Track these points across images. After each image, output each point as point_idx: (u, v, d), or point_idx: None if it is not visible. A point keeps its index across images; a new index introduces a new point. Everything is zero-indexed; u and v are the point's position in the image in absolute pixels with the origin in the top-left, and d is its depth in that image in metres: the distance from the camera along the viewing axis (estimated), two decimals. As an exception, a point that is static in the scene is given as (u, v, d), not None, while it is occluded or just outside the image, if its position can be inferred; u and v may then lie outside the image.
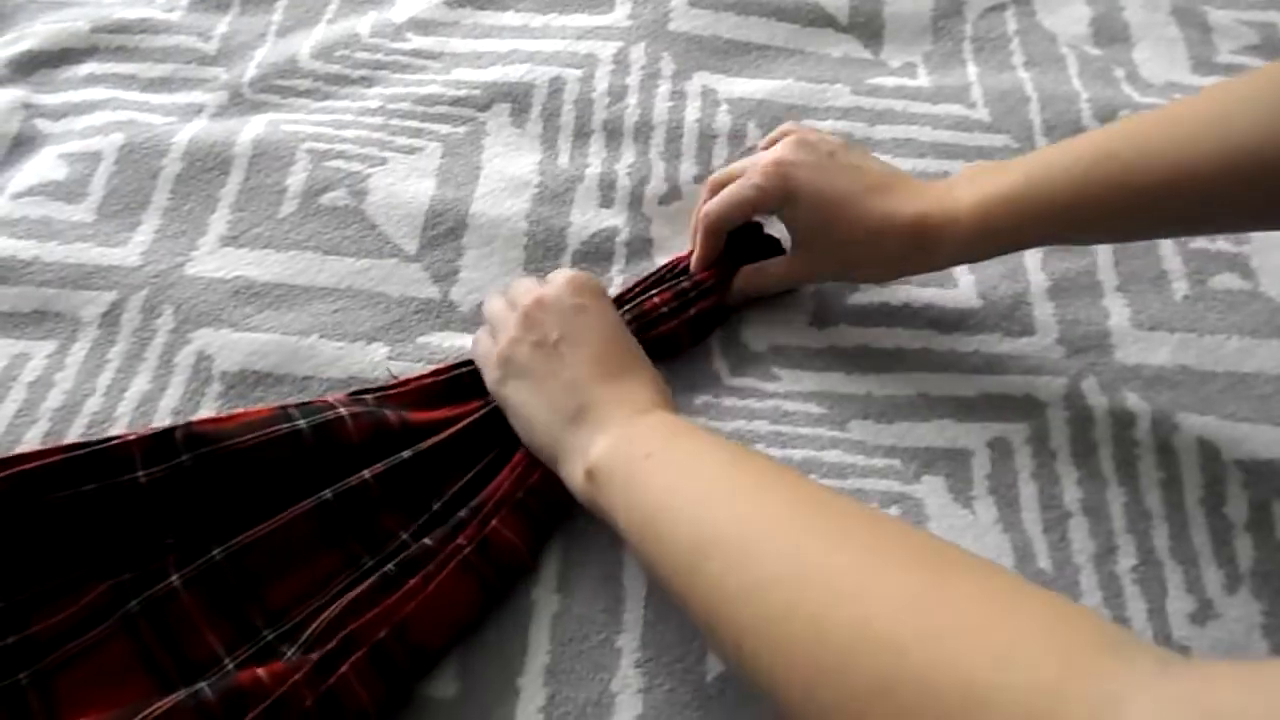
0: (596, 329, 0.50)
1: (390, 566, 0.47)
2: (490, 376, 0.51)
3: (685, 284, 0.57)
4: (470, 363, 0.55)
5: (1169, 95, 0.70)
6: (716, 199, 0.57)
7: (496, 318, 0.53)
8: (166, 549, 0.48)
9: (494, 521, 0.48)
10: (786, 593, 0.34)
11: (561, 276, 0.52)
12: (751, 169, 0.56)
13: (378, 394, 0.53)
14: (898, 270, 0.56)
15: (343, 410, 0.51)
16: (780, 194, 0.54)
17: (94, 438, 0.50)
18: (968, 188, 0.52)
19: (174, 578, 0.47)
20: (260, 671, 0.43)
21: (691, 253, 0.59)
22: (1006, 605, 0.31)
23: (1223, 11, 0.76)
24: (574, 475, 0.46)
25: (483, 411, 0.52)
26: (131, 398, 0.55)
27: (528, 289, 0.53)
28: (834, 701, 0.32)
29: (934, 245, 0.52)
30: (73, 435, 0.54)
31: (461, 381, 0.54)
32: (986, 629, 0.30)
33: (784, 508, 0.39)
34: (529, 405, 0.49)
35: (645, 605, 0.48)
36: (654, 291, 0.57)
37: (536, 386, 0.49)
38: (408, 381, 0.54)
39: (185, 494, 0.48)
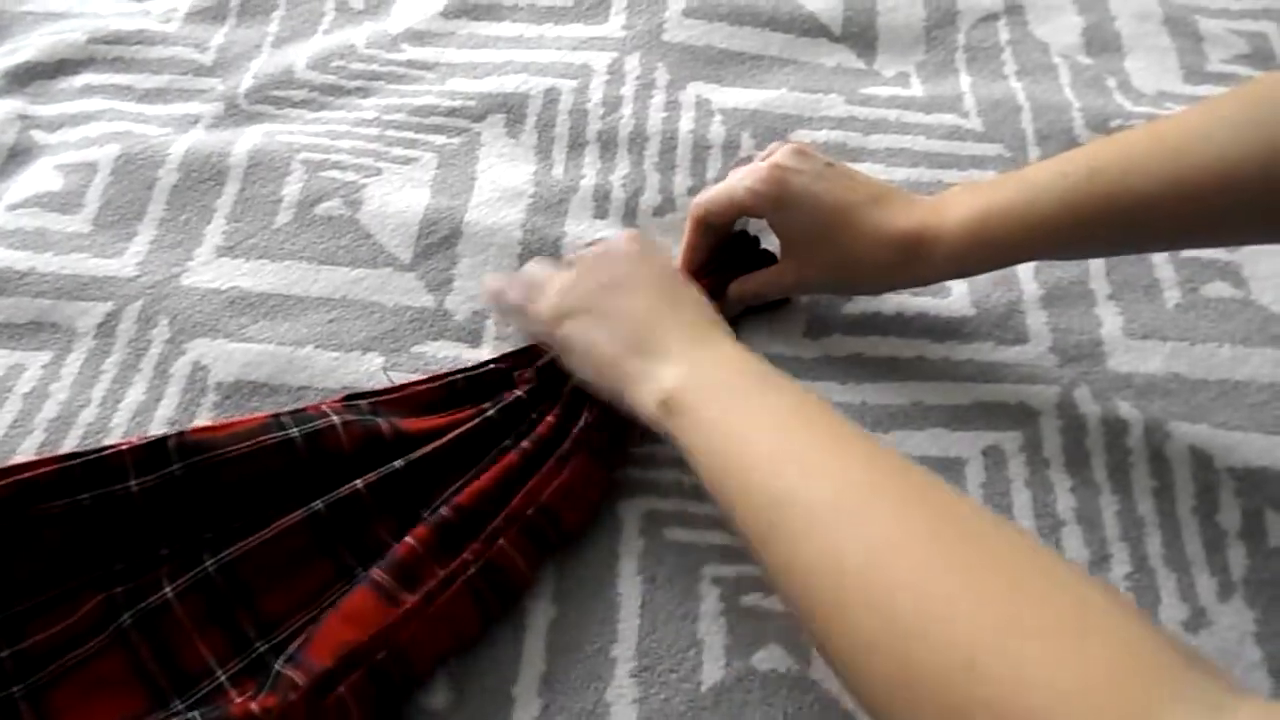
0: (660, 275, 0.52)
1: (384, 576, 0.47)
2: (541, 322, 0.52)
3: None
4: (465, 369, 0.55)
5: (1161, 105, 0.71)
6: (708, 190, 0.58)
7: (536, 276, 0.54)
8: (160, 560, 0.48)
9: (501, 541, 0.48)
10: (863, 582, 0.34)
11: (623, 234, 0.55)
12: (747, 172, 0.56)
13: (372, 399, 0.53)
14: (889, 282, 0.56)
15: (335, 419, 0.51)
16: (774, 198, 0.54)
17: (88, 447, 0.50)
18: (960, 202, 0.52)
19: (167, 589, 0.47)
20: (254, 706, 0.43)
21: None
22: (1080, 634, 0.31)
23: (1214, 21, 0.77)
24: (645, 403, 0.46)
25: (476, 421, 0.52)
26: (127, 408, 0.55)
27: (583, 254, 0.54)
28: (899, 703, 0.32)
29: (926, 257, 0.52)
30: (68, 446, 0.54)
31: (456, 388, 0.54)
32: (1058, 662, 0.30)
33: (862, 476, 0.38)
34: (591, 337, 0.49)
35: (640, 615, 0.48)
36: None
37: (598, 320, 0.50)
38: (404, 387, 0.54)
39: (177, 502, 0.48)
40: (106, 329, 0.59)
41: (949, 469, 0.53)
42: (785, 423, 0.42)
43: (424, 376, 0.55)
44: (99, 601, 0.47)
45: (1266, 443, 0.54)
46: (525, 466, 0.50)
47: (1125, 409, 0.55)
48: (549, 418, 0.51)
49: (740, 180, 0.56)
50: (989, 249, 0.51)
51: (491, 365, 0.55)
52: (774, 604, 0.49)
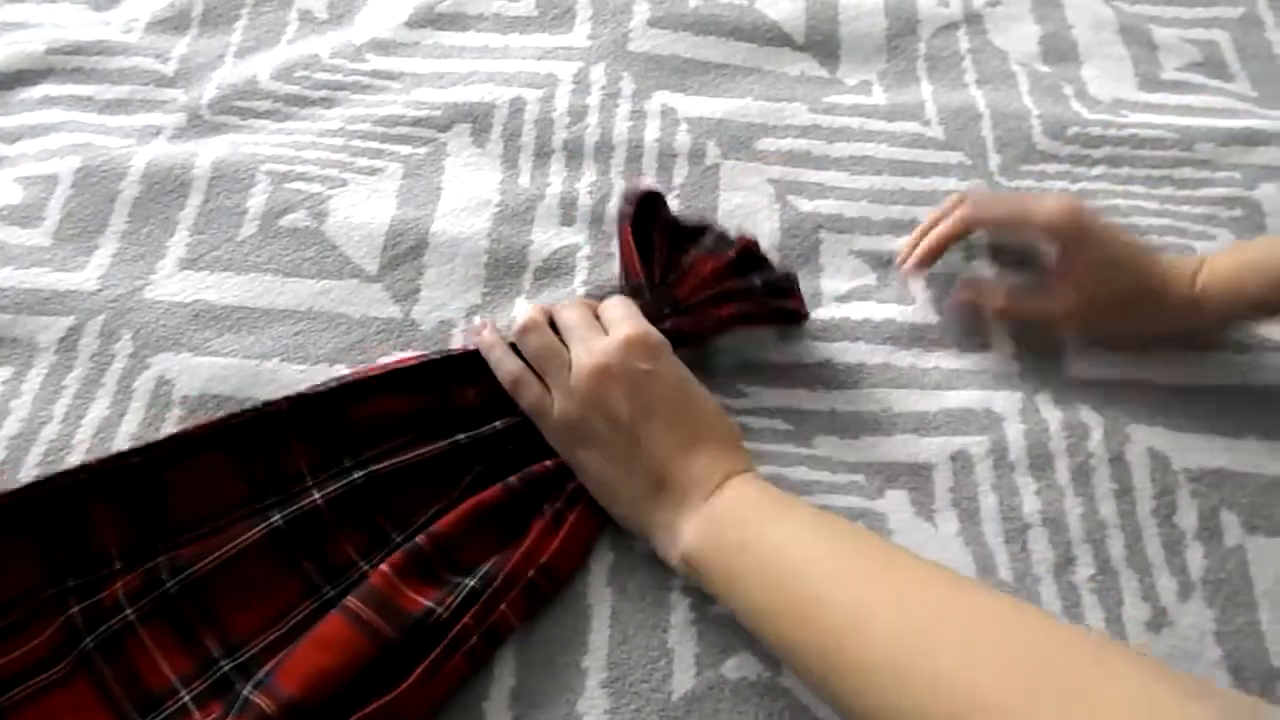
0: (667, 396, 0.49)
1: (360, 606, 0.46)
2: (556, 438, 0.51)
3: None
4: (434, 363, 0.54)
5: (1117, 112, 0.72)
6: (986, 194, 0.60)
7: (545, 358, 0.51)
8: (114, 573, 0.48)
9: (503, 606, 0.47)
10: (891, 685, 0.36)
11: (621, 336, 0.50)
12: (1044, 196, 0.59)
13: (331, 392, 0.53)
14: (1170, 324, 0.58)
15: (295, 448, 0.52)
16: (1077, 226, 0.55)
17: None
18: (1225, 255, 0.56)
19: (129, 612, 0.46)
20: None
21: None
22: (1111, 705, 0.32)
23: (1167, 30, 0.78)
24: (669, 556, 0.47)
25: (445, 445, 0.52)
26: (90, 424, 0.55)
27: (585, 348, 0.50)
28: None
29: (1204, 300, 0.55)
30: (30, 463, 0.53)
31: (434, 411, 0.54)
32: None
33: (883, 593, 0.40)
34: (607, 476, 0.49)
35: (611, 626, 0.49)
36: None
37: (613, 459, 0.49)
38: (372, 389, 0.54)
39: (130, 508, 0.49)
40: (68, 344, 0.58)
41: (917, 475, 0.54)
42: (802, 557, 0.43)
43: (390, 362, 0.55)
44: (59, 625, 0.46)
45: (1221, 444, 0.56)
46: (510, 504, 0.50)
47: (1085, 413, 0.56)
48: (546, 462, 0.51)
49: (1040, 201, 0.57)
50: (1249, 297, 0.54)
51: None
52: (744, 611, 0.49)
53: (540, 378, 0.52)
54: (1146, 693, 0.31)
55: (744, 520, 0.45)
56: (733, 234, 0.60)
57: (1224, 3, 0.81)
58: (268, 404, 0.52)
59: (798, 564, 0.42)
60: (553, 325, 0.53)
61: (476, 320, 0.59)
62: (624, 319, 0.51)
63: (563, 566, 0.49)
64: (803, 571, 0.41)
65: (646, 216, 0.58)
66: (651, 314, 0.54)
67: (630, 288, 0.57)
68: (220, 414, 0.54)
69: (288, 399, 0.52)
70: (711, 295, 0.56)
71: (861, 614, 0.39)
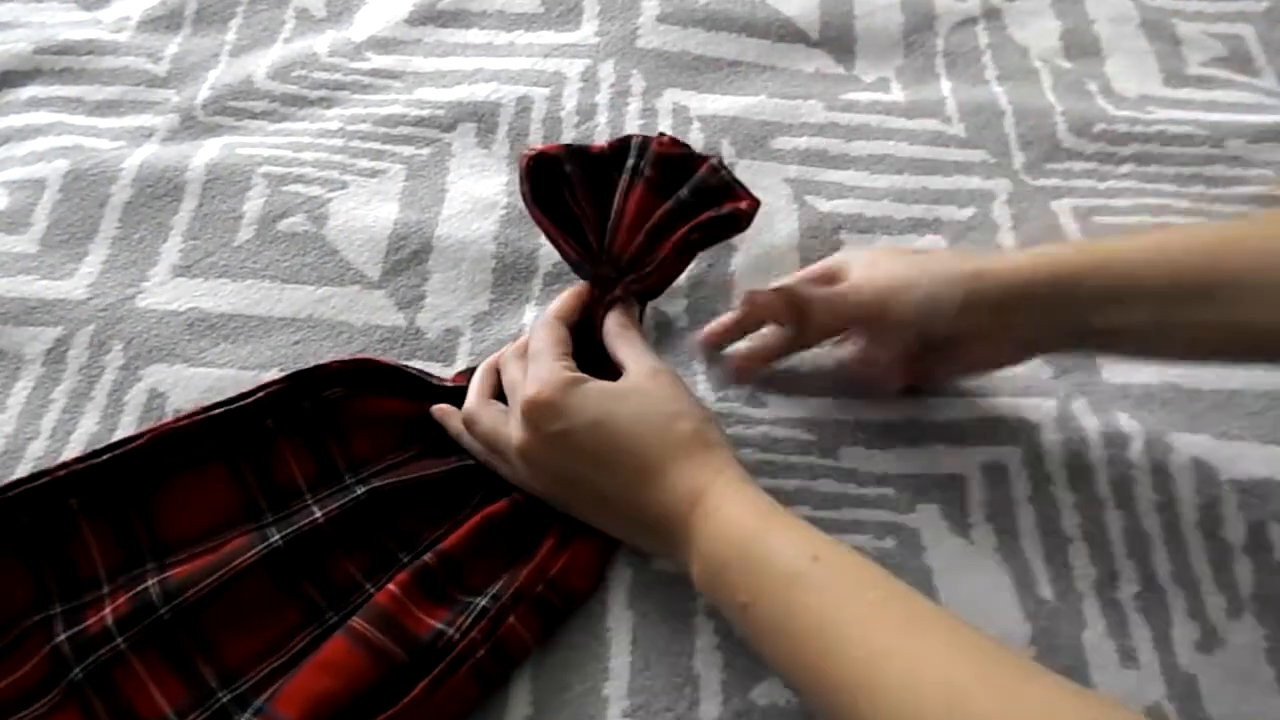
0: (589, 445, 0.44)
1: (366, 626, 0.44)
2: (531, 488, 0.48)
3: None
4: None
5: (1144, 109, 0.70)
6: (781, 297, 0.51)
7: (491, 448, 0.48)
8: (100, 597, 0.45)
9: (511, 619, 0.45)
10: None
11: (518, 410, 0.45)
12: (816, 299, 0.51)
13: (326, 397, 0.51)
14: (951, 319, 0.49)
15: (289, 455, 0.49)
16: (871, 313, 0.50)
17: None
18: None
19: (119, 640, 0.43)
20: None
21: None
22: None
23: (1190, 24, 0.76)
24: (687, 572, 0.44)
25: (453, 464, 0.49)
26: (79, 440, 0.52)
27: (515, 405, 0.46)
28: None
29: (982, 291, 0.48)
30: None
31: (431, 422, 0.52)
32: None
33: (898, 650, 0.36)
34: (602, 526, 0.47)
35: (632, 651, 0.46)
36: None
37: (593, 514, 0.47)
38: (367, 389, 0.52)
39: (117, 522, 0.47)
40: (56, 355, 0.55)
41: (949, 487, 0.51)
42: (806, 619, 0.39)
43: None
44: (46, 654, 0.44)
45: (1266, 453, 0.53)
46: (518, 519, 0.47)
47: (1124, 421, 0.54)
48: None
49: (823, 299, 0.51)
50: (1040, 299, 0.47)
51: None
52: (773, 634, 0.46)
53: None
54: None
55: (735, 575, 0.41)
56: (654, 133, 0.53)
57: (1248, -4, 0.79)
58: (246, 394, 0.50)
59: (806, 616, 0.38)
60: None
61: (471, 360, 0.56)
62: (519, 384, 0.47)
63: (575, 582, 0.47)
64: (812, 627, 0.38)
65: (550, 183, 0.51)
66: (601, 287, 0.50)
67: (573, 266, 0.52)
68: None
69: (265, 388, 0.50)
70: (647, 237, 0.50)
71: (876, 673, 0.35)
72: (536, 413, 0.45)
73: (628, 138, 0.52)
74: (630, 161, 0.51)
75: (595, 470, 0.45)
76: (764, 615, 0.39)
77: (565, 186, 0.50)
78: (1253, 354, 0.47)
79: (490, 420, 0.48)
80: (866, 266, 0.51)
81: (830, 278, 0.52)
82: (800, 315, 0.51)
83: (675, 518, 0.43)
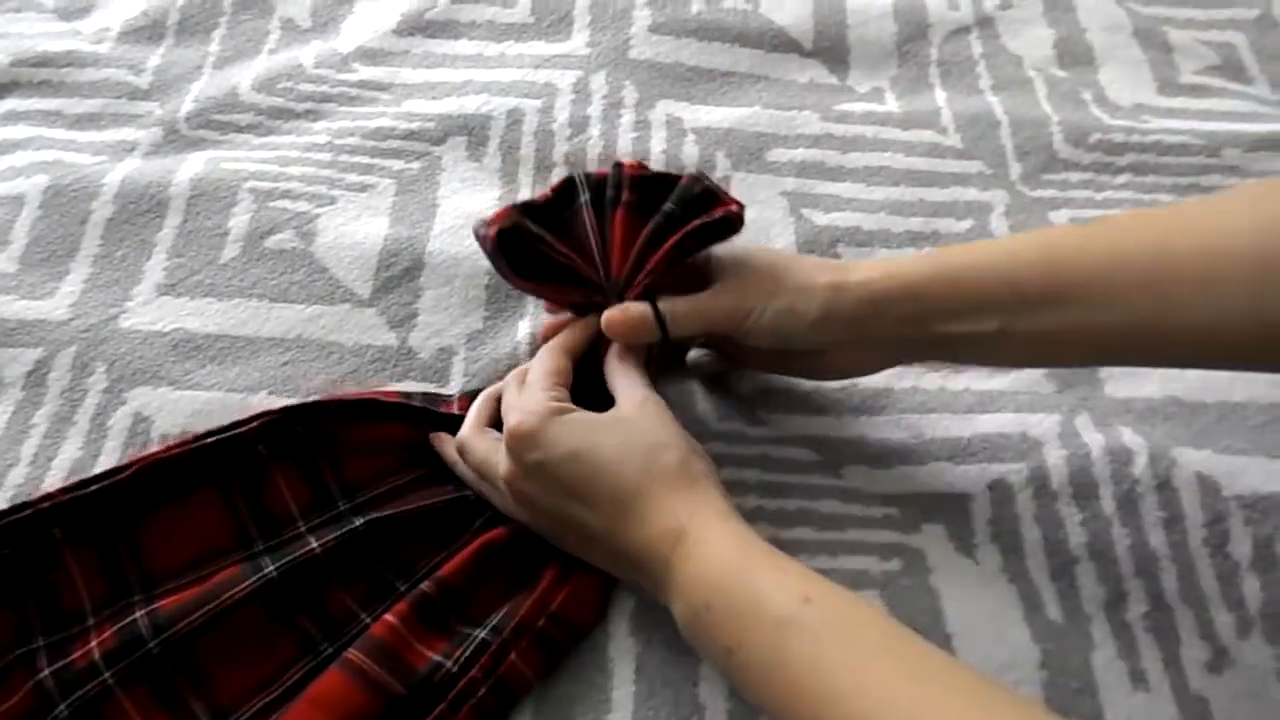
0: (566, 477, 0.43)
1: (362, 658, 0.42)
2: (512, 511, 0.47)
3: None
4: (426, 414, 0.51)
5: (1138, 117, 0.69)
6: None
7: (483, 476, 0.47)
8: (86, 629, 0.44)
9: (512, 655, 0.43)
10: None
11: (505, 439, 0.45)
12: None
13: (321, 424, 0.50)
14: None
15: (280, 481, 0.48)
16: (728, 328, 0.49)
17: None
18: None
19: (107, 675, 0.42)
20: None
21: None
22: None
23: (1182, 32, 0.76)
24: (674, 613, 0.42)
25: (449, 494, 0.48)
26: (60, 466, 0.51)
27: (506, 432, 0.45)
28: None
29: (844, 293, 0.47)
30: (-5, 510, 0.49)
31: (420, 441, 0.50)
32: None
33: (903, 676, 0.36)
34: (591, 559, 0.45)
35: (635, 679, 0.45)
36: None
37: (581, 546, 0.45)
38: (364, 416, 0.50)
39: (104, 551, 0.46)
40: (37, 378, 0.54)
41: (954, 506, 0.50)
42: (790, 672, 0.37)
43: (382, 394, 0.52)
44: (28, 690, 0.42)
45: (1271, 467, 0.53)
46: (518, 546, 0.46)
47: (1128, 436, 0.53)
48: None
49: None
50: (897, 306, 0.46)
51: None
52: (778, 660, 0.45)
53: None
54: None
55: (719, 617, 0.39)
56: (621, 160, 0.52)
57: (1239, 4, 0.78)
58: (239, 423, 0.49)
59: (799, 664, 0.37)
60: None
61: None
62: (508, 410, 0.46)
63: (576, 616, 0.45)
64: (806, 675, 0.36)
65: (521, 248, 0.49)
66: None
67: (579, 310, 0.51)
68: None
69: (259, 418, 0.49)
70: (640, 254, 0.49)
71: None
72: (517, 443, 0.44)
73: (570, 178, 0.51)
74: (609, 193, 0.50)
75: (576, 504, 0.43)
76: (752, 661, 0.38)
77: (539, 243, 0.49)
78: (1099, 356, 0.48)
79: (483, 450, 0.47)
80: (730, 271, 0.49)
81: (695, 275, 0.50)
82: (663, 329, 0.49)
83: (656, 556, 0.41)
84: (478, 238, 0.49)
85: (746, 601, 0.39)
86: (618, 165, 0.50)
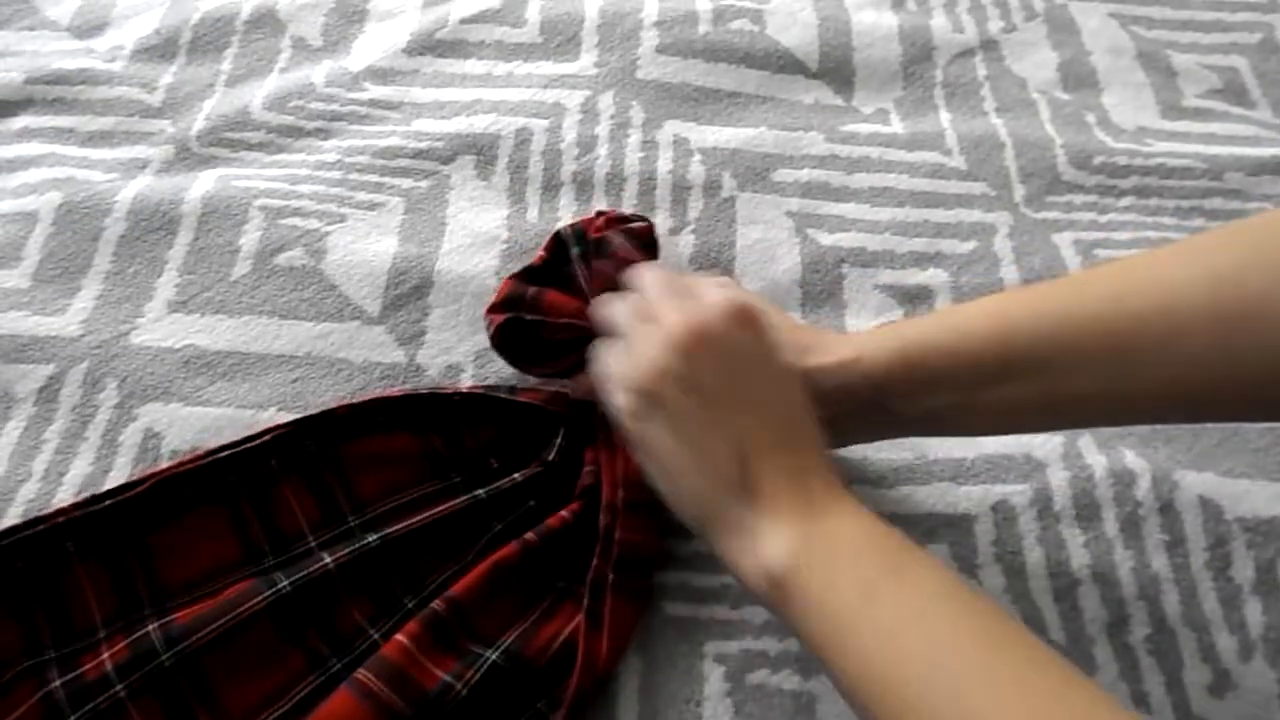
0: (765, 381, 0.41)
1: (372, 679, 0.43)
2: (622, 403, 0.42)
3: None
4: (453, 433, 0.51)
5: (1142, 140, 0.70)
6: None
7: (635, 313, 0.44)
8: (97, 641, 0.45)
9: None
10: None
11: (720, 299, 0.42)
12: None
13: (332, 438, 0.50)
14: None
15: (290, 496, 0.49)
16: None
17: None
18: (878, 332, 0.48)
19: (119, 688, 0.43)
20: None
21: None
22: None
23: (1185, 56, 0.77)
24: (747, 573, 0.39)
25: (464, 499, 0.48)
26: (72, 482, 0.51)
27: (676, 306, 0.42)
28: None
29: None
30: (6, 524, 0.49)
31: (439, 455, 0.51)
32: None
33: (1016, 691, 0.33)
34: (677, 460, 0.41)
35: (639, 699, 0.45)
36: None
37: (688, 439, 0.41)
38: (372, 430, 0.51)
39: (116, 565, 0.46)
40: (49, 394, 0.54)
41: (958, 527, 0.51)
42: (923, 622, 0.35)
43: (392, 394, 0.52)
44: (36, 702, 0.43)
45: (1272, 490, 0.53)
46: (529, 564, 0.46)
47: (1130, 458, 0.54)
48: (562, 512, 0.48)
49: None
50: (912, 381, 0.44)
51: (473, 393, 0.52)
52: (782, 681, 0.46)
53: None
54: None
55: (867, 569, 0.37)
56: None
57: (1241, 28, 0.79)
58: (251, 437, 0.49)
59: (918, 656, 0.35)
60: None
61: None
62: (729, 285, 0.44)
63: (610, 665, 0.45)
64: (920, 672, 0.34)
65: (523, 336, 0.52)
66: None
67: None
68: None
69: (271, 431, 0.50)
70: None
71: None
72: (744, 316, 0.42)
73: (557, 233, 0.54)
74: (574, 250, 0.53)
75: (739, 401, 0.40)
76: (874, 625, 0.36)
77: (539, 329, 0.51)
78: (1063, 422, 0.47)
79: (632, 315, 0.44)
80: None
81: None
82: None
83: (797, 492, 0.39)
84: (485, 323, 0.52)
85: (893, 561, 0.37)
86: (599, 214, 0.54)
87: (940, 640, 0.35)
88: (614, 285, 0.50)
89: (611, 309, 0.46)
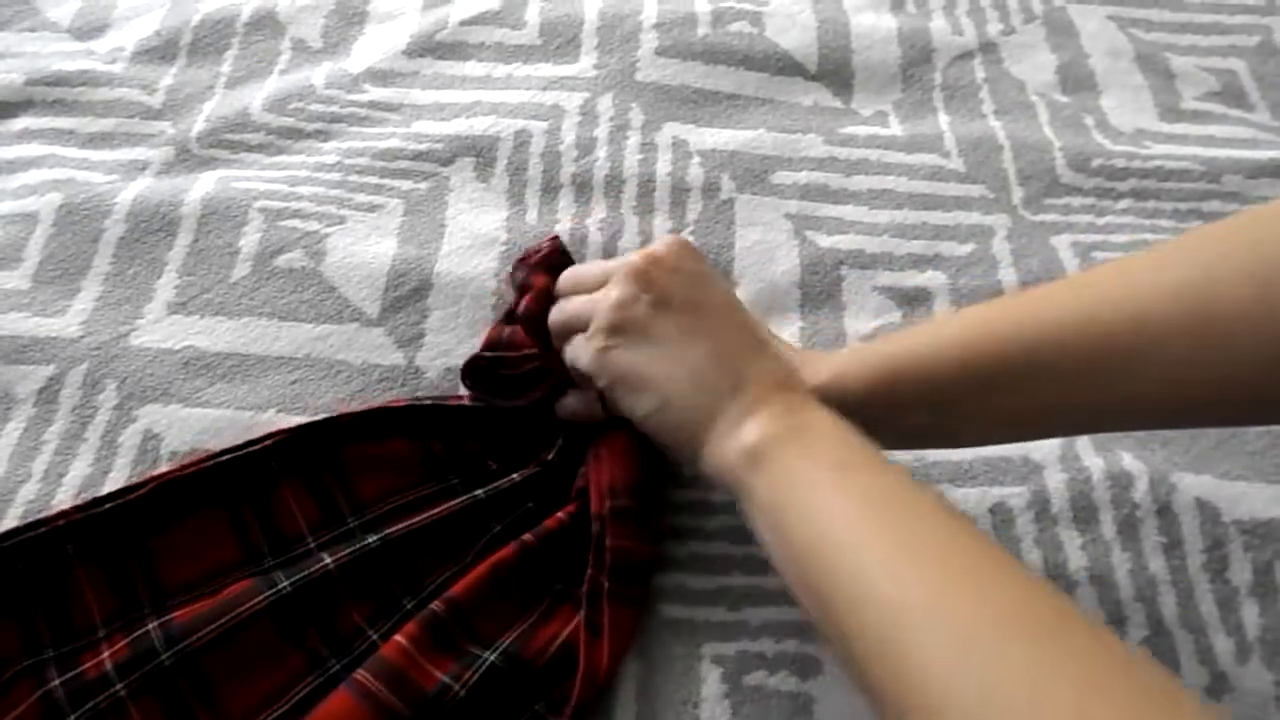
0: (726, 297, 0.45)
1: (371, 679, 0.43)
2: (597, 347, 0.44)
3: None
4: (441, 429, 0.51)
5: (1140, 143, 0.70)
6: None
7: (584, 305, 0.46)
8: (96, 640, 0.45)
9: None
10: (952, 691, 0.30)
11: (670, 239, 0.46)
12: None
13: (332, 442, 0.51)
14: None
15: (290, 498, 0.49)
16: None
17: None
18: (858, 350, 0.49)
19: (119, 687, 0.43)
20: None
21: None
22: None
23: (1184, 58, 0.77)
24: (726, 451, 0.40)
25: (462, 500, 0.48)
26: (71, 482, 0.51)
27: (618, 263, 0.46)
28: None
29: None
30: (6, 525, 0.49)
31: (438, 459, 0.51)
32: None
33: (968, 582, 0.33)
34: (661, 369, 0.42)
35: (637, 701, 0.45)
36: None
37: (670, 349, 0.42)
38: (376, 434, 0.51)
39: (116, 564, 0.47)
40: (48, 395, 0.54)
41: (954, 529, 0.51)
42: (890, 513, 0.36)
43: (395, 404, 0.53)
44: (35, 701, 0.43)
45: (1269, 493, 0.53)
46: (527, 565, 0.47)
47: (1128, 460, 0.54)
48: (559, 514, 0.48)
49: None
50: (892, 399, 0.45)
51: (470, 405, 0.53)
52: (780, 683, 0.46)
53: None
54: None
55: (845, 450, 0.38)
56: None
57: (1239, 31, 0.79)
58: (252, 442, 0.50)
59: (888, 526, 0.35)
60: None
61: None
62: (671, 235, 0.48)
63: (611, 673, 0.45)
64: (863, 560, 0.34)
65: (490, 373, 0.53)
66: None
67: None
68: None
69: (273, 436, 0.50)
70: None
71: (904, 631, 0.32)
72: (691, 247, 0.46)
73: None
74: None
75: (713, 317, 0.43)
76: (843, 488, 0.37)
77: (499, 366, 0.53)
78: (1039, 431, 0.47)
79: (583, 299, 0.47)
80: None
81: None
82: None
83: (782, 385, 0.41)
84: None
85: (869, 452, 0.39)
86: (553, 239, 0.57)
87: (913, 517, 0.36)
88: (551, 301, 0.52)
89: (560, 307, 0.49)
